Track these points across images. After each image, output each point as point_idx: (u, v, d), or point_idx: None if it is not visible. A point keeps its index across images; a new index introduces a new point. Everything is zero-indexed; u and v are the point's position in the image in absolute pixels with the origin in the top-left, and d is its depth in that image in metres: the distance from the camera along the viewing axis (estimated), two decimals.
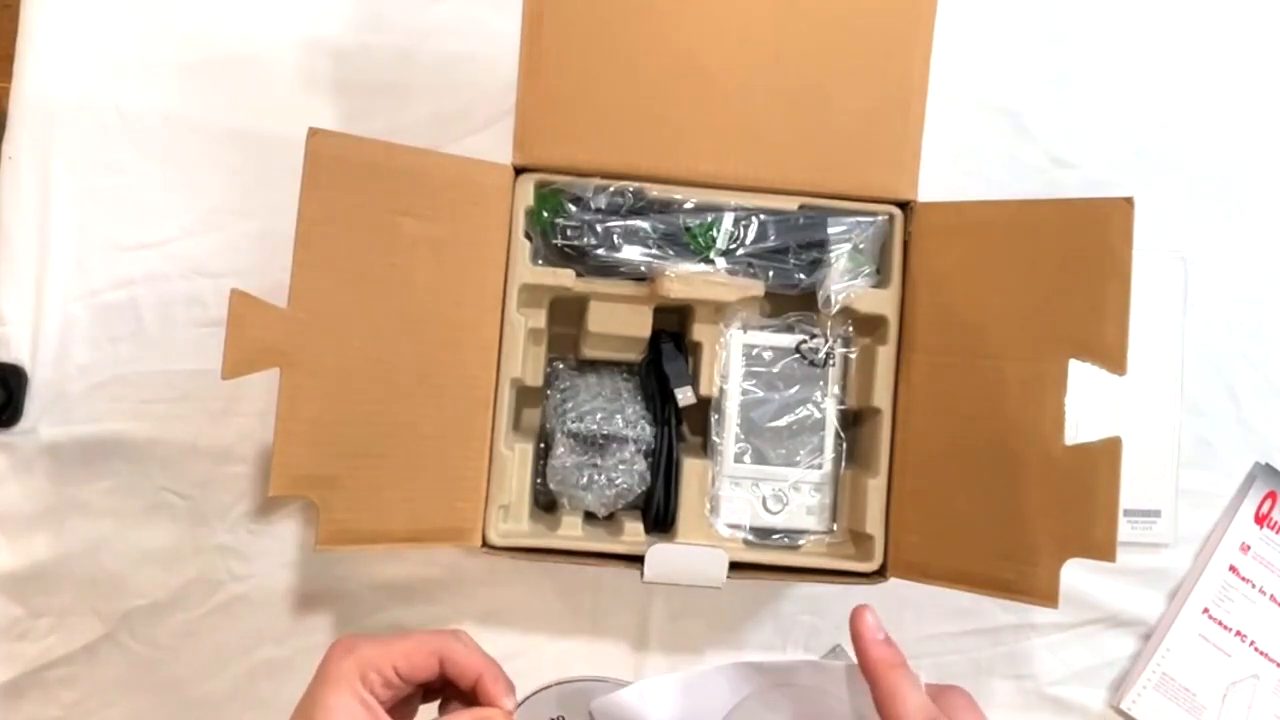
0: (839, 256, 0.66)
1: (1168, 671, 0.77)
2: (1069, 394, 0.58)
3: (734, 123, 0.64)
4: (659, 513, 0.67)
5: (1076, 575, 0.74)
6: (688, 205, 0.65)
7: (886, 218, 0.66)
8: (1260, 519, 0.78)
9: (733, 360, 0.68)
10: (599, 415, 0.67)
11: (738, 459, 0.68)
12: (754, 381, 0.68)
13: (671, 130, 0.64)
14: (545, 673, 0.75)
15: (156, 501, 0.74)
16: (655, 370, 0.68)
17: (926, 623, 0.77)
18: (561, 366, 0.71)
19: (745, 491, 0.68)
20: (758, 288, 0.66)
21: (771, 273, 0.66)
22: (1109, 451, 0.56)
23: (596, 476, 0.66)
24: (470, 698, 0.53)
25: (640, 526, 0.66)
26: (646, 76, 0.63)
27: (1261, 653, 0.77)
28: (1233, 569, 0.78)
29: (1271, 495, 0.78)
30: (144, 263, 0.76)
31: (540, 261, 0.65)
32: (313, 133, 0.57)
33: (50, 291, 0.75)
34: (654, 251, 0.65)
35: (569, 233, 0.64)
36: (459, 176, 0.62)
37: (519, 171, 0.64)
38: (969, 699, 0.51)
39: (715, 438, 0.68)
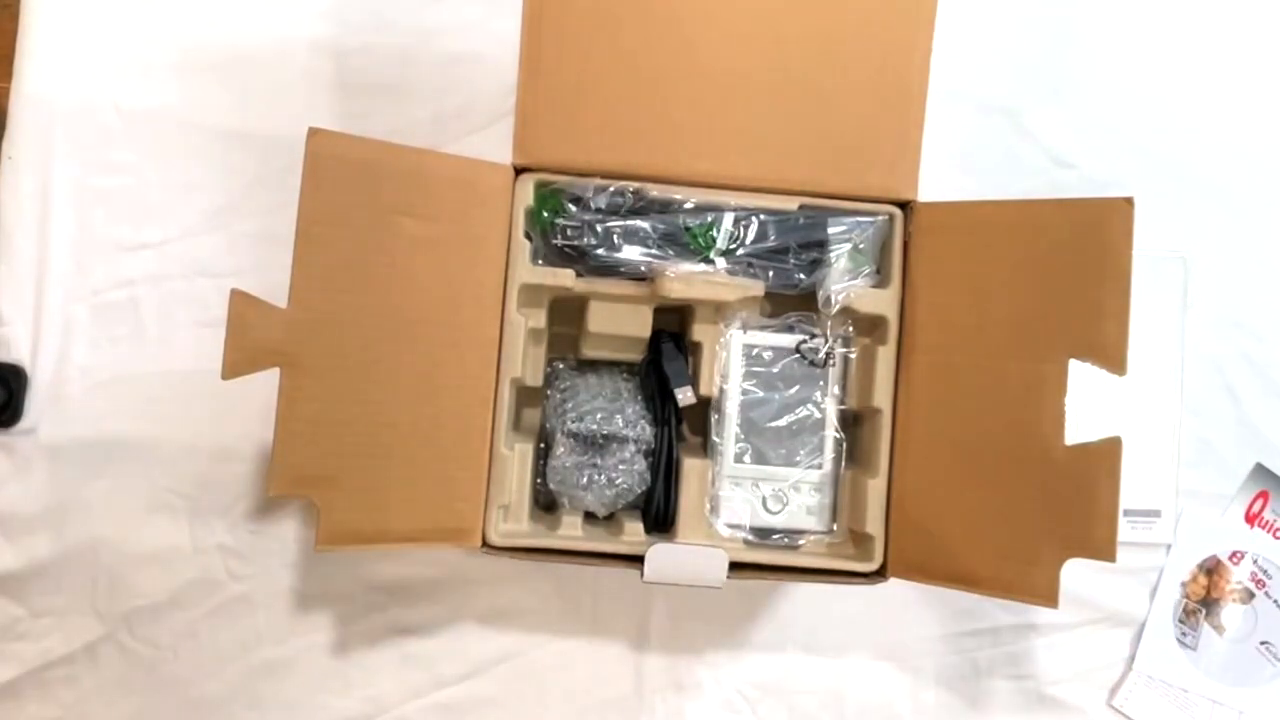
0: (839, 256, 0.66)
1: (1160, 670, 0.77)
2: (1069, 394, 0.58)
3: (734, 123, 0.64)
4: (659, 513, 0.67)
5: (1076, 575, 0.74)
6: (688, 205, 0.65)
7: (886, 218, 0.66)
8: (1251, 518, 0.78)
9: (733, 360, 0.68)
10: (599, 415, 0.67)
11: (738, 459, 0.68)
12: (754, 381, 0.68)
13: (671, 130, 0.64)
14: (545, 673, 0.76)
15: (156, 501, 0.74)
16: (655, 370, 0.68)
17: (926, 623, 0.77)
18: (561, 366, 0.71)
19: (745, 491, 0.68)
20: (758, 288, 0.66)
21: (771, 273, 0.66)
22: (1109, 451, 0.56)
23: (596, 476, 0.66)
24: None
25: (640, 526, 0.66)
26: (646, 76, 0.63)
27: None
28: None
29: (1263, 495, 0.78)
30: (144, 263, 0.76)
31: (540, 261, 0.65)
32: (313, 133, 0.57)
33: (50, 291, 0.75)
34: (654, 251, 0.65)
35: (569, 233, 0.64)
36: (459, 176, 0.62)
37: (519, 171, 0.64)
38: None
39: (715, 438, 0.68)
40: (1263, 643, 0.78)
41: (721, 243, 0.65)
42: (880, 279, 0.66)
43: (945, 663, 0.77)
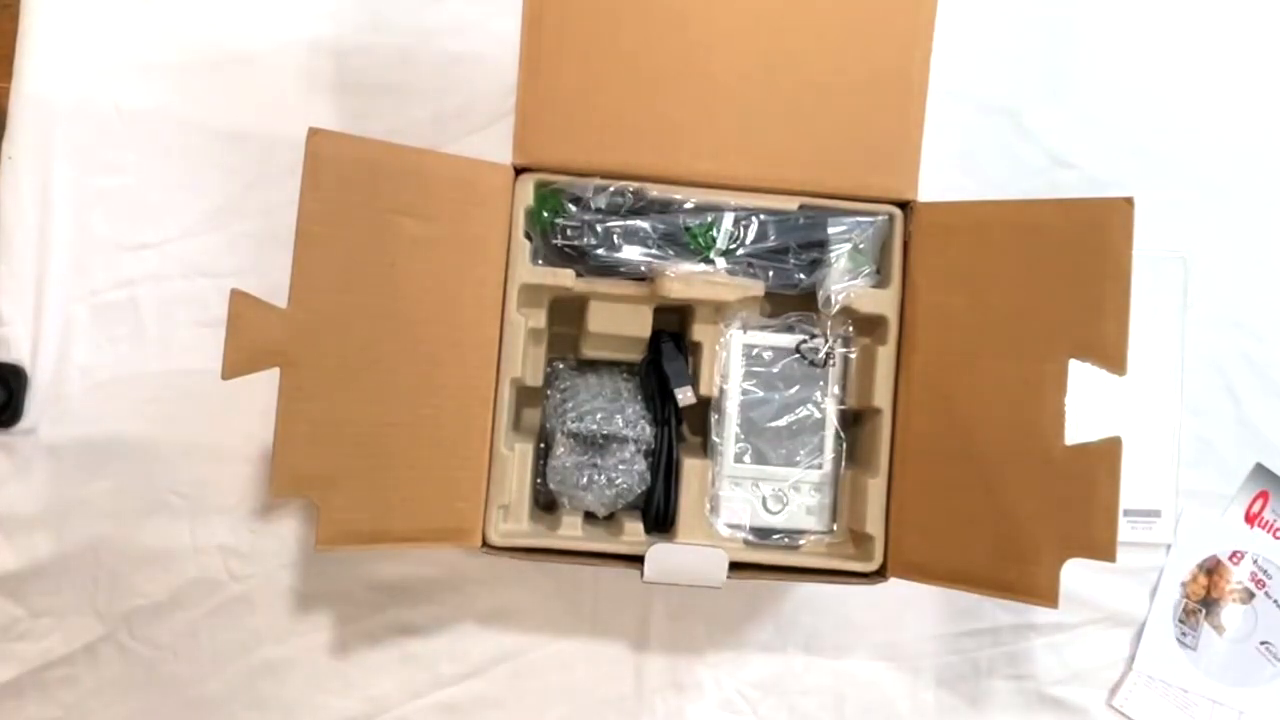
0: (839, 256, 0.66)
1: (1160, 670, 0.77)
2: (1069, 394, 0.58)
3: (734, 123, 0.64)
4: (659, 513, 0.67)
5: (1076, 575, 0.74)
6: (688, 205, 0.65)
7: (886, 218, 0.66)
8: (1251, 518, 0.78)
9: (733, 360, 0.68)
10: (599, 415, 0.67)
11: (738, 459, 0.68)
12: (754, 381, 0.68)
13: (671, 130, 0.64)
14: (545, 673, 0.76)
15: (156, 501, 0.74)
16: (655, 370, 0.68)
17: (926, 623, 0.77)
18: (561, 366, 0.71)
19: (745, 491, 0.68)
20: (758, 288, 0.66)
21: (771, 273, 0.66)
22: (1109, 451, 0.56)
23: (596, 476, 0.66)
24: None
25: (640, 526, 0.66)
26: (646, 76, 0.63)
27: None
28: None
29: (1263, 495, 0.78)
30: (144, 263, 0.76)
31: (540, 261, 0.65)
32: (313, 133, 0.57)
33: (50, 291, 0.75)
34: (654, 251, 0.65)
35: (569, 233, 0.64)
36: (459, 176, 0.62)
37: (519, 171, 0.64)
38: None
39: (715, 438, 0.68)
40: (1263, 643, 0.78)
41: (721, 243, 0.65)
42: (880, 279, 0.66)
43: (945, 663, 0.77)
